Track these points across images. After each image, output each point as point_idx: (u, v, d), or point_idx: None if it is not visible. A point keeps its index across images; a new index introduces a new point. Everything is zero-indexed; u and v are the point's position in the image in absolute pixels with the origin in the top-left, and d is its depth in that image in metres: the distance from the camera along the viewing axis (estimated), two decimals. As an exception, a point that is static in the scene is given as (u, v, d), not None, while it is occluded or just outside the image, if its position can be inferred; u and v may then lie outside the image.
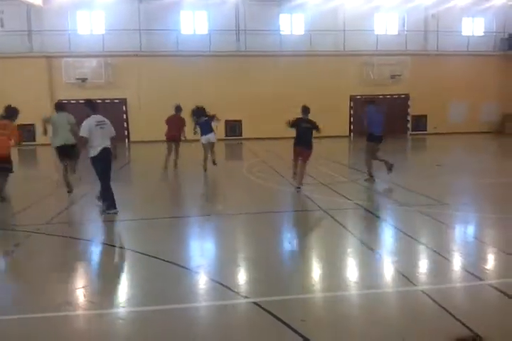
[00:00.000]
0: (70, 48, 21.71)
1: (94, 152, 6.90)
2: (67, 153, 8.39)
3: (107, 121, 7.11)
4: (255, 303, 3.72)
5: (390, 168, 10.20)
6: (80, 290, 4.18)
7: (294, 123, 9.21)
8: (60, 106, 8.98)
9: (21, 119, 19.00)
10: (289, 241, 5.84)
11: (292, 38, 23.48)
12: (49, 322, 3.54)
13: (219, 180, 11.21)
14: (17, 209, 7.74)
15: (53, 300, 3.90)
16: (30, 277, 4.53)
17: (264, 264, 4.77)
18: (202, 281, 4.37)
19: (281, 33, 23.58)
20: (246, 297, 3.88)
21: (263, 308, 3.61)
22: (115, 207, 7.03)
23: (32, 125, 20.83)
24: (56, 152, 8.55)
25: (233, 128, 22.49)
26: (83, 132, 6.85)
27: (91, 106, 7.19)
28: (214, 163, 11.67)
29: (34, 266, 4.82)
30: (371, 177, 9.93)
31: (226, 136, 22.25)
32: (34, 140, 21.89)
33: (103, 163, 6.95)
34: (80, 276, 4.66)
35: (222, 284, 4.14)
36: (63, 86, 21.80)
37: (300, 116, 9.33)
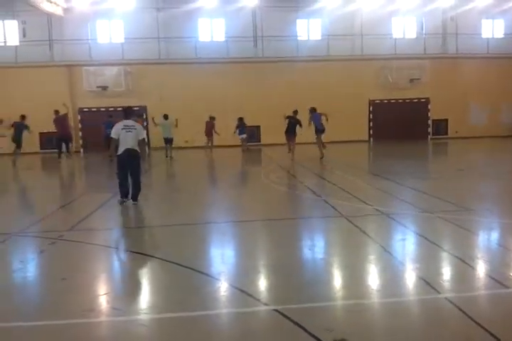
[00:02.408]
0: (91, 57, 22.12)
1: (119, 151, 8.11)
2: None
3: (136, 125, 8.25)
4: (276, 310, 3.70)
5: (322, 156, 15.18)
6: (103, 296, 4.22)
7: (287, 118, 15.78)
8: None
9: (43, 127, 19.55)
10: (309, 248, 5.81)
11: (309, 43, 23.53)
12: (73, 328, 3.58)
13: (238, 185, 11.24)
14: (41, 216, 7.87)
15: (77, 306, 3.94)
16: (54, 283, 4.60)
17: (285, 271, 4.75)
18: (223, 288, 4.37)
19: (299, 38, 23.65)
20: (267, 304, 3.87)
21: (284, 315, 3.59)
22: (125, 197, 8.25)
23: (55, 133, 21.22)
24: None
25: (251, 134, 22.60)
26: (113, 134, 8.17)
27: (124, 112, 8.58)
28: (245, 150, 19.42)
29: (58, 273, 4.89)
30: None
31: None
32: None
33: (124, 161, 8.16)
34: (102, 283, 4.72)
35: (243, 291, 4.13)
36: (84, 94, 22.23)
37: (291, 114, 15.82)
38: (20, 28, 22.37)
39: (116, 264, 5.44)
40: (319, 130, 15.47)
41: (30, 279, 4.93)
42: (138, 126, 8.32)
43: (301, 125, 15.43)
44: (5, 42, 22.72)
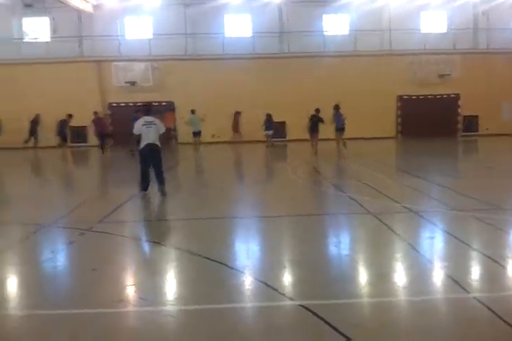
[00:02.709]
0: (120, 53, 22.43)
1: (140, 146, 8.54)
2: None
3: (156, 121, 8.63)
4: (302, 306, 3.71)
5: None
6: (132, 287, 4.31)
7: (311, 117, 16.64)
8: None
9: (74, 122, 19.86)
10: (335, 244, 5.79)
11: (336, 39, 23.31)
12: (103, 318, 3.67)
13: (263, 181, 11.26)
14: (72, 208, 8.06)
15: (107, 296, 4.03)
16: (84, 274, 4.71)
17: (311, 267, 4.75)
18: (248, 282, 4.40)
19: (325, 33, 23.44)
20: (292, 299, 3.88)
21: (310, 311, 3.59)
22: (145, 190, 8.60)
23: (84, 127, 21.77)
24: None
25: (277, 129, 22.57)
26: (134, 131, 8.57)
27: (144, 109, 9.11)
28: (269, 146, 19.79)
29: (87, 263, 5.01)
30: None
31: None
32: (86, 141, 22.79)
33: (146, 155, 8.54)
34: (131, 274, 4.81)
35: (269, 285, 4.15)
36: (113, 89, 22.58)
37: (313, 113, 16.59)
38: (51, 24, 22.84)
39: (144, 256, 5.54)
40: (339, 128, 16.35)
41: (61, 269, 5.07)
42: (158, 121, 8.67)
43: (323, 121, 16.30)
44: (36, 38, 23.23)
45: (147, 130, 8.47)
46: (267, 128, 20.36)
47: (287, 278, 4.54)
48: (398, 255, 5.15)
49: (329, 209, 7.77)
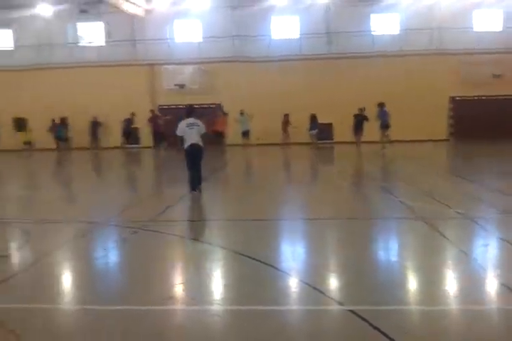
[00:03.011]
0: (170, 56, 22.95)
1: (185, 146, 8.99)
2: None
3: (198, 122, 9.11)
4: (351, 311, 3.67)
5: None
6: (180, 285, 4.41)
7: (355, 116, 17.47)
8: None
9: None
10: (384, 250, 5.70)
11: (385, 38, 22.87)
12: (152, 314, 3.76)
13: (310, 183, 11.22)
14: (125, 207, 8.33)
15: (156, 294, 4.14)
16: (135, 270, 4.87)
17: (358, 272, 4.69)
18: (295, 284, 4.40)
19: (373, 33, 23.05)
20: (341, 304, 3.85)
21: (359, 316, 3.55)
22: (194, 190, 8.96)
23: (137, 128, 22.55)
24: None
25: (323, 131, 22.37)
26: (178, 132, 9.02)
27: (186, 111, 9.40)
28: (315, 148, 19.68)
29: (139, 261, 5.18)
30: None
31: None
32: (138, 143, 23.54)
33: (191, 155, 9.02)
34: (179, 272, 4.93)
35: (316, 288, 4.13)
36: (163, 92, 23.12)
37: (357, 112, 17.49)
38: (105, 29, 23.69)
39: (192, 255, 5.63)
40: (384, 125, 16.51)
41: (114, 266, 5.26)
42: (200, 122, 9.16)
43: (367, 119, 16.81)
44: (91, 42, 24.15)
45: (190, 131, 8.95)
46: (312, 128, 20.50)
47: (335, 282, 4.51)
48: (450, 262, 5.01)
49: (378, 214, 7.62)
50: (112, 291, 4.37)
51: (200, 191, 9.02)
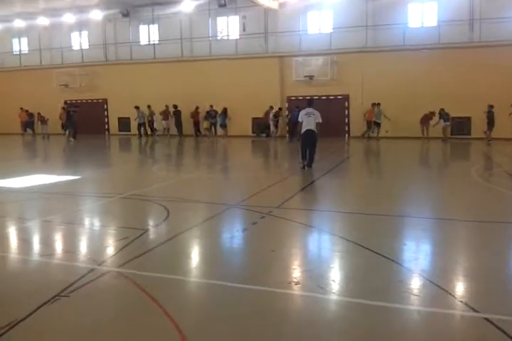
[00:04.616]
0: (300, 48, 23.17)
1: (302, 131, 11.09)
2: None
3: (315, 112, 11.07)
4: (487, 320, 3.40)
5: None
6: (306, 272, 4.49)
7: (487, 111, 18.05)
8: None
9: (256, 113, 21.43)
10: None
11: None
12: (275, 296, 3.91)
13: (442, 180, 10.64)
14: (254, 193, 8.70)
15: (281, 277, 4.30)
16: (264, 253, 5.11)
17: (493, 278, 4.35)
18: (421, 283, 4.21)
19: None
20: (476, 311, 3.58)
21: (495, 326, 3.30)
22: (304, 167, 11.23)
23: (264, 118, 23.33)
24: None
25: (460, 126, 20.87)
26: (299, 118, 11.25)
27: (307, 102, 11.62)
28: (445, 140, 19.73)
29: (267, 244, 5.42)
30: None
31: (452, 134, 20.92)
32: (269, 134, 24.21)
33: (305, 139, 11.11)
34: (306, 259, 5.04)
35: (446, 291, 3.94)
36: (292, 83, 23.47)
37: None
38: (240, 22, 24.66)
39: (317, 243, 5.75)
40: None
41: (244, 247, 5.57)
42: (316, 112, 11.03)
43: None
44: (228, 36, 25.34)
45: (308, 119, 11.01)
46: (445, 121, 19.72)
47: (467, 286, 4.22)
48: None
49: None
50: (239, 270, 4.64)
51: (309, 166, 11.12)
